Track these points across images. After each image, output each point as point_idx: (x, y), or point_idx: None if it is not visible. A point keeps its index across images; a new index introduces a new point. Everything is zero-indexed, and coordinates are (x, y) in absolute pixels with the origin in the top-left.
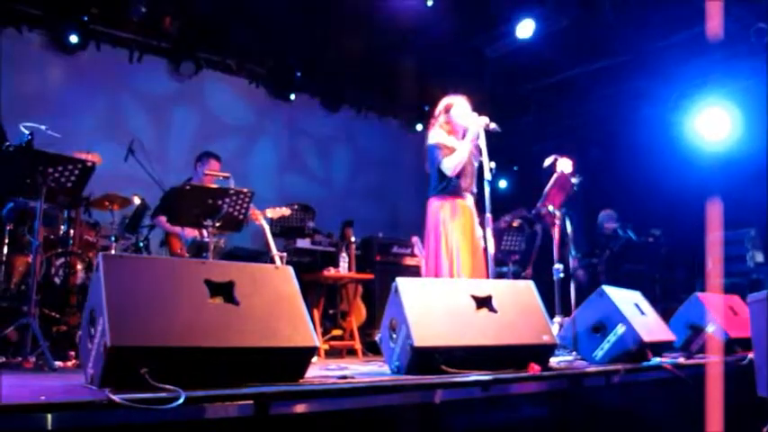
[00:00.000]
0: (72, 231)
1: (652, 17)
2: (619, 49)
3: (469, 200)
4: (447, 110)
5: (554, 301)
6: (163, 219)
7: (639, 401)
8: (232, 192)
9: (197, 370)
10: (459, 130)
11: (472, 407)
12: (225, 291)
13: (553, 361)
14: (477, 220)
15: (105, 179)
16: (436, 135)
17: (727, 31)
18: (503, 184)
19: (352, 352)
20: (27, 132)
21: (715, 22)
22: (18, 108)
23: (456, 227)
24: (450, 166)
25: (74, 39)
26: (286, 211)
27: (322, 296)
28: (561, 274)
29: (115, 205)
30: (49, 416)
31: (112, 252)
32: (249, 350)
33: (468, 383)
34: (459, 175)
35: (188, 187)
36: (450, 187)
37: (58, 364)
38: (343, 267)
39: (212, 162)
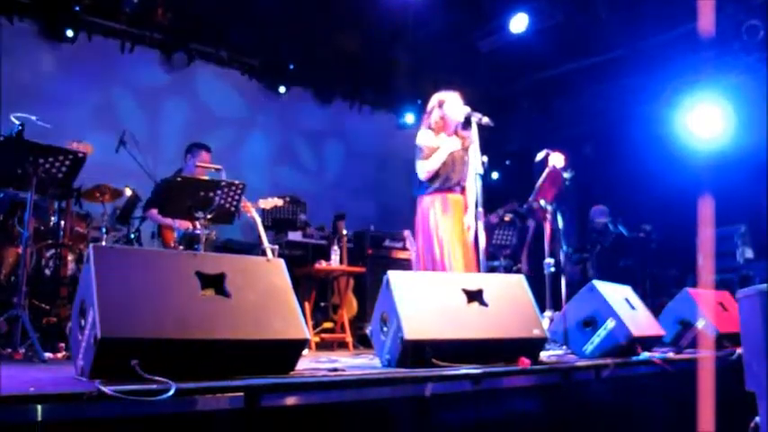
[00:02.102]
0: (63, 223)
1: (645, 13)
2: (611, 45)
3: (458, 194)
4: (440, 105)
5: (545, 295)
6: (154, 212)
7: (629, 396)
8: (224, 184)
9: (188, 362)
10: (451, 125)
11: (462, 400)
12: (216, 283)
13: (543, 355)
14: (465, 213)
15: (96, 170)
16: (422, 136)
17: (719, 28)
18: (494, 175)
19: (343, 345)
20: (17, 123)
21: (707, 19)
22: (8, 98)
23: (447, 222)
24: (423, 170)
25: (69, 33)
26: (278, 202)
27: (313, 289)
28: (552, 269)
29: (106, 197)
30: (39, 407)
31: (103, 243)
32: (240, 342)
33: (459, 377)
34: (449, 170)
35: (179, 179)
36: (439, 183)
37: (48, 355)
38: (335, 260)
39: (203, 153)
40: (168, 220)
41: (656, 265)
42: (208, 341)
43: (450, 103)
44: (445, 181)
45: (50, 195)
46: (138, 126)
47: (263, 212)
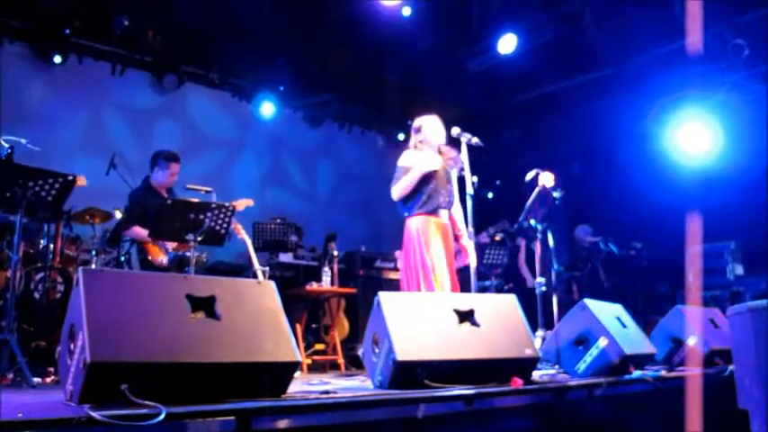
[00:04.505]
0: (52, 246)
1: (633, 32)
2: (600, 63)
3: (444, 217)
4: (418, 130)
5: (536, 314)
6: (136, 230)
7: (622, 414)
8: (214, 206)
9: (178, 386)
10: (433, 149)
11: (455, 421)
12: (206, 306)
13: (536, 374)
14: (450, 237)
15: (86, 193)
16: (404, 157)
17: (706, 47)
18: (489, 195)
19: (334, 366)
20: (7, 146)
21: (695, 38)
22: None
23: (434, 245)
24: (395, 190)
25: (57, 59)
26: (249, 202)
27: (305, 310)
28: (543, 288)
29: (96, 219)
30: None
31: (93, 266)
32: (231, 365)
33: (451, 398)
34: (432, 192)
35: (170, 202)
36: (423, 205)
37: (37, 380)
38: (326, 281)
39: (174, 165)
40: (144, 234)
41: (647, 283)
42: (198, 364)
43: (427, 127)
44: (426, 203)
45: (40, 218)
46: (128, 148)
47: (254, 234)
